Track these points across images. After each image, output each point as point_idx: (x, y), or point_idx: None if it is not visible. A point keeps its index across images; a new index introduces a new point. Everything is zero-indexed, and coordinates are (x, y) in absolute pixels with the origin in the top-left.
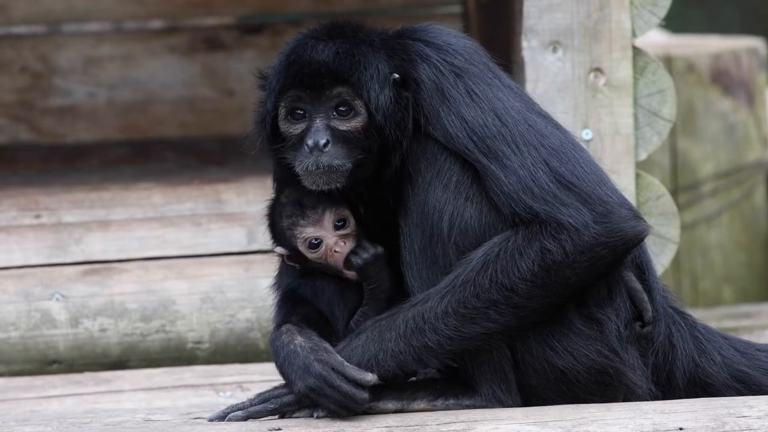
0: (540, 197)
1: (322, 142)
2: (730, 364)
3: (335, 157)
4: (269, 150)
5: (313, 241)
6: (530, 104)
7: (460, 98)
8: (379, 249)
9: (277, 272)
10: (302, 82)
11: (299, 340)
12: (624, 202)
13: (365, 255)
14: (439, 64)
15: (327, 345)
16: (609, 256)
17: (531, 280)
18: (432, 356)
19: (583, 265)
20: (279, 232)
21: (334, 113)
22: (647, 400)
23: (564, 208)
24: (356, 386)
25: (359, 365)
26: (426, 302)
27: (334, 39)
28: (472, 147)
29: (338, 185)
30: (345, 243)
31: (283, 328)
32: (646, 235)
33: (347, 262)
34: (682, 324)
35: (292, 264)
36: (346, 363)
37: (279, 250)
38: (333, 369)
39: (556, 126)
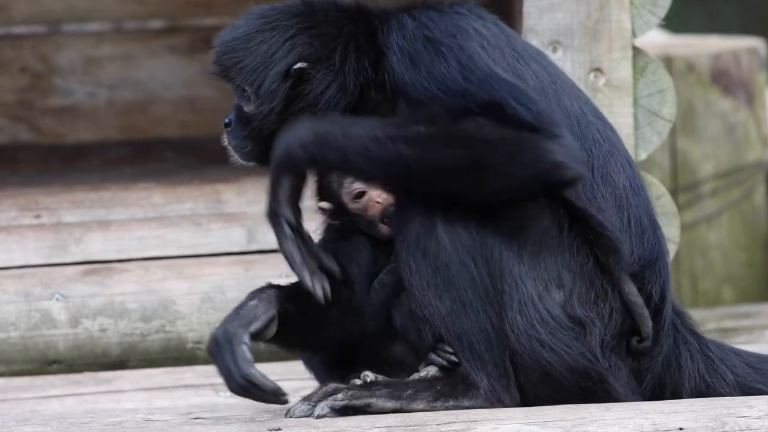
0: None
1: (225, 120)
2: (743, 383)
3: (233, 137)
4: None
5: (360, 191)
6: (530, 77)
7: (427, 57)
8: None
9: None
10: None
11: (252, 303)
12: (575, 145)
13: None
14: (410, 35)
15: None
16: (528, 164)
17: (454, 136)
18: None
19: (500, 153)
20: (325, 188)
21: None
22: None
23: (514, 105)
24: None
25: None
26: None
27: (247, 25)
28: (435, 91)
29: (246, 162)
30: (387, 195)
31: (266, 289)
32: (573, 179)
33: (385, 215)
34: (695, 344)
35: (333, 222)
36: (243, 345)
37: (324, 204)
38: (229, 340)
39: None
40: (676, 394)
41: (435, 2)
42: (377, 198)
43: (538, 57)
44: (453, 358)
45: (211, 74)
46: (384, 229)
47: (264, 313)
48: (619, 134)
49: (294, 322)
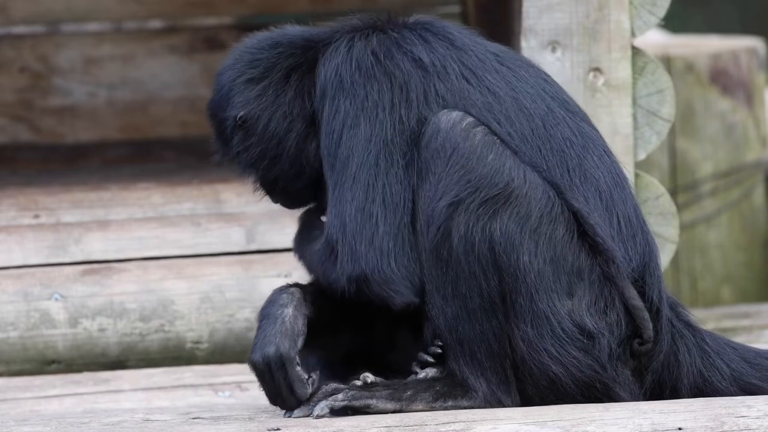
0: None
1: None
2: (739, 377)
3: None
4: None
5: None
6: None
7: (326, 111)
8: None
9: (299, 236)
10: None
11: (289, 311)
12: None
13: None
14: (330, 72)
15: (300, 330)
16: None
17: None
18: None
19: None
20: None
21: None
22: None
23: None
24: (290, 388)
25: None
26: None
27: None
28: (325, 158)
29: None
30: None
31: (292, 288)
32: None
33: None
34: (690, 338)
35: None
36: (297, 366)
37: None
38: (282, 362)
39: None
40: (675, 391)
41: (390, 21)
42: None
43: (497, 64)
44: (438, 350)
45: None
46: None
47: (304, 325)
48: (591, 120)
49: (313, 327)
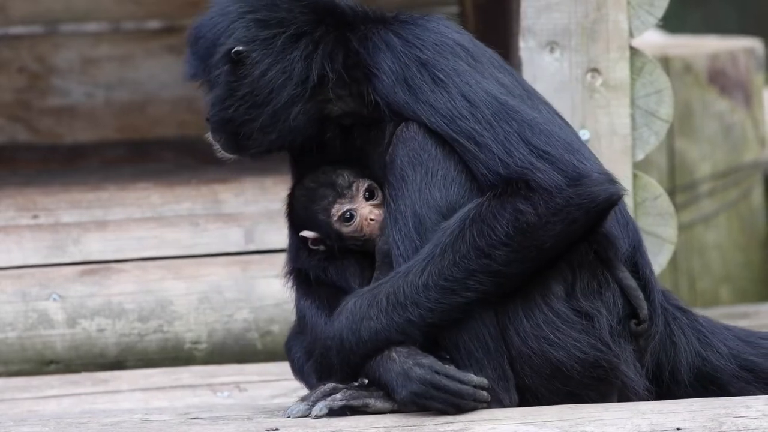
0: (514, 165)
1: (206, 117)
2: (737, 354)
3: (211, 131)
4: None
5: (348, 214)
6: (517, 92)
7: (425, 86)
8: None
9: (291, 268)
10: None
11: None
12: (597, 167)
13: None
14: (402, 56)
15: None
16: (582, 218)
17: (507, 244)
18: (415, 329)
19: (557, 227)
20: (306, 217)
21: None
22: (643, 397)
23: (536, 172)
24: (461, 383)
25: None
26: (407, 275)
27: (203, 16)
28: (446, 129)
29: (227, 155)
30: (378, 210)
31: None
32: (619, 198)
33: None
34: (684, 320)
35: (316, 247)
36: (444, 365)
37: (307, 233)
38: (435, 371)
39: (535, 107)
40: (674, 372)
41: (406, 14)
42: (370, 216)
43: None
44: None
45: (185, 77)
46: (382, 243)
47: None
48: (565, 115)
49: None
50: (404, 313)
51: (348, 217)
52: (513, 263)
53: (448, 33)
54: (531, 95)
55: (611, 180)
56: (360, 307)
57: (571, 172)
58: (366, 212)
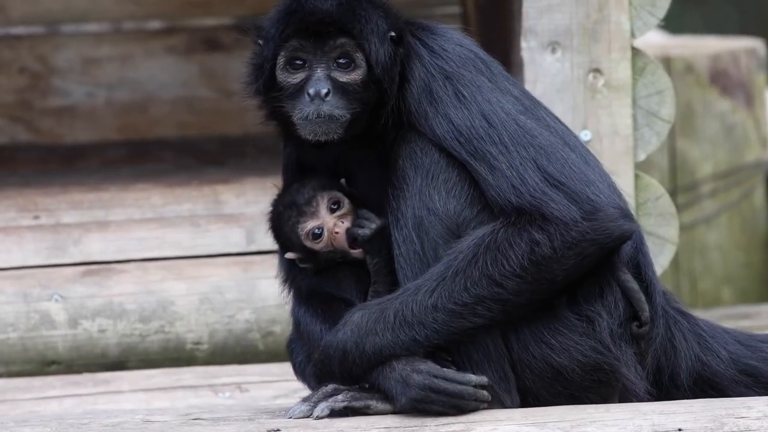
0: (527, 194)
1: (324, 91)
2: (737, 359)
3: (336, 107)
4: (266, 98)
5: (315, 231)
6: (528, 106)
7: (448, 100)
8: (382, 220)
9: (286, 278)
10: (305, 31)
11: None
12: (612, 202)
13: (370, 227)
14: (429, 66)
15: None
16: (596, 253)
17: (521, 276)
18: (419, 348)
19: (571, 261)
20: (283, 238)
21: (335, 64)
22: (644, 400)
23: (552, 203)
24: (460, 384)
25: None
26: (416, 293)
27: None
28: (459, 148)
29: (335, 136)
30: (343, 222)
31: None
32: (632, 234)
33: (352, 240)
34: (685, 323)
35: (305, 266)
36: (442, 368)
37: (290, 255)
38: (433, 376)
39: (549, 127)
40: (674, 376)
41: (425, 22)
42: (335, 229)
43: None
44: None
45: (324, 21)
46: (356, 253)
47: None
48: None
49: None
50: (410, 332)
51: (316, 234)
52: (523, 293)
53: (466, 44)
54: (536, 105)
55: (625, 215)
56: (367, 322)
57: (586, 204)
58: (331, 225)
